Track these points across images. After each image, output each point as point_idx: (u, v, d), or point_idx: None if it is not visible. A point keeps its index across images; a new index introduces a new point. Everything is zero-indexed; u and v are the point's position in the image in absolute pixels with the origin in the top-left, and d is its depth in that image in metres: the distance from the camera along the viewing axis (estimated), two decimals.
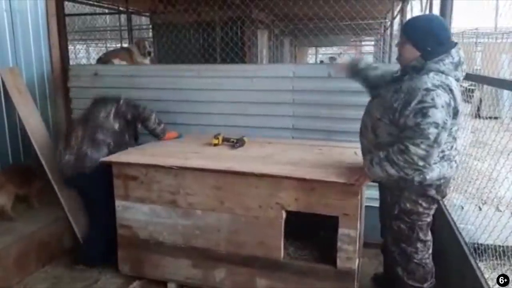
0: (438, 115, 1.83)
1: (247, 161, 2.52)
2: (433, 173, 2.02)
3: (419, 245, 2.19)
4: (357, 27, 8.03)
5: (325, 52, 22.53)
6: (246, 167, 2.38)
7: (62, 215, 3.14)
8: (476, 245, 2.34)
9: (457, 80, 1.99)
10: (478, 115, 7.38)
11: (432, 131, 1.83)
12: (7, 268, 2.71)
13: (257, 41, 7.42)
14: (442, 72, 1.93)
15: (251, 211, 2.38)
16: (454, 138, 2.06)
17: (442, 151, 2.01)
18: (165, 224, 2.59)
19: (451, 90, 1.89)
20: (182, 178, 2.49)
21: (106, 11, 7.59)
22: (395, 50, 3.05)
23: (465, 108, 5.67)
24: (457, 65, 1.96)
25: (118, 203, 2.67)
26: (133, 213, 2.65)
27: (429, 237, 2.23)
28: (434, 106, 1.83)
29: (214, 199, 2.45)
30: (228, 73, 3.42)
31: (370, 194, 2.85)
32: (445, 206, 2.79)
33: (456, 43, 2.02)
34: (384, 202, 2.28)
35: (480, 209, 3.36)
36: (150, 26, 7.90)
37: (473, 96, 7.70)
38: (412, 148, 1.86)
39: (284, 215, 2.33)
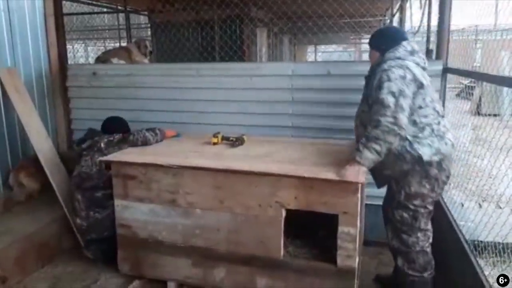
0: (393, 86, 2.11)
1: (247, 159, 2.52)
2: (424, 148, 2.14)
3: (419, 234, 2.28)
4: (356, 25, 7.99)
5: (324, 50, 22.50)
6: (246, 166, 2.38)
7: (61, 215, 3.14)
8: (476, 242, 2.34)
9: (417, 64, 2.27)
10: (478, 112, 7.36)
11: (390, 99, 2.08)
12: (7, 268, 2.71)
13: (256, 40, 7.40)
14: (399, 58, 2.25)
15: (251, 210, 2.37)
16: (436, 112, 2.22)
17: (429, 125, 2.18)
18: (164, 224, 2.59)
19: (407, 67, 2.18)
20: (181, 177, 2.49)
21: (105, 10, 7.57)
22: None
23: (465, 105, 5.67)
24: (411, 52, 2.29)
25: (117, 203, 2.67)
26: (133, 212, 2.64)
27: (429, 226, 2.32)
28: (388, 80, 2.13)
29: (213, 198, 2.45)
30: (227, 71, 3.41)
31: (370, 192, 2.85)
32: (445, 203, 2.79)
33: (407, 39, 2.36)
34: (389, 191, 2.38)
35: (480, 206, 3.35)
36: (149, 25, 7.89)
37: (473, 93, 7.69)
38: (382, 119, 2.08)
39: (283, 213, 2.32)
